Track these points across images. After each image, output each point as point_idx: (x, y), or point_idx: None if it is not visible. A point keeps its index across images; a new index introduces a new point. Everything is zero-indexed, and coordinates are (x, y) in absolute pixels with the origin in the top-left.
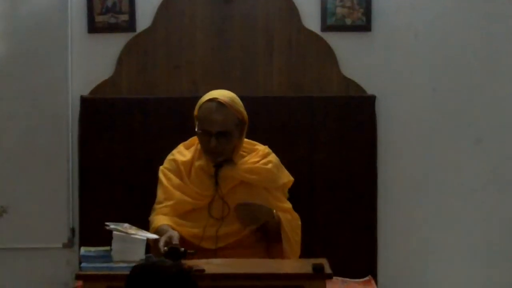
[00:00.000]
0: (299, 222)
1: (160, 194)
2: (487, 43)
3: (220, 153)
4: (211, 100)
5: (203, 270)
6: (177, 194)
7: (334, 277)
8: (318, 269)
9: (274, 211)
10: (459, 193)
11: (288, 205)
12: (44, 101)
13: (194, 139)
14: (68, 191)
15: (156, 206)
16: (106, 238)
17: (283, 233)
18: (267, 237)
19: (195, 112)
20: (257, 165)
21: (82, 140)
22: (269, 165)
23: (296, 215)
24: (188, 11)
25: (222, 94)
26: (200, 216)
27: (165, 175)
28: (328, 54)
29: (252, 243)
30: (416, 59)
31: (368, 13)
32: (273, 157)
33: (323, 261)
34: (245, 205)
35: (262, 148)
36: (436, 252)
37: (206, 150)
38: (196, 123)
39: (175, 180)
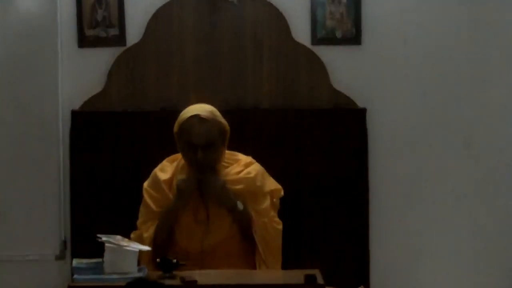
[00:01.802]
0: (279, 227)
1: (144, 213)
2: (477, 51)
3: (206, 164)
4: (192, 117)
5: (195, 281)
6: (160, 212)
7: (327, 287)
8: (310, 279)
9: (239, 204)
10: (450, 200)
11: (272, 212)
12: (35, 115)
13: (178, 155)
14: (59, 203)
15: (140, 225)
16: (98, 250)
17: (255, 234)
18: (248, 241)
19: (175, 129)
20: (240, 175)
21: (73, 153)
22: (252, 174)
23: (278, 220)
24: (178, 25)
25: (201, 109)
26: (185, 223)
27: (149, 194)
28: (319, 66)
29: (239, 253)
30: (407, 72)
31: (358, 25)
32: (256, 165)
33: (315, 272)
34: (214, 180)
35: (244, 158)
36: (429, 260)
37: (192, 163)
38: (177, 139)
39: (159, 198)
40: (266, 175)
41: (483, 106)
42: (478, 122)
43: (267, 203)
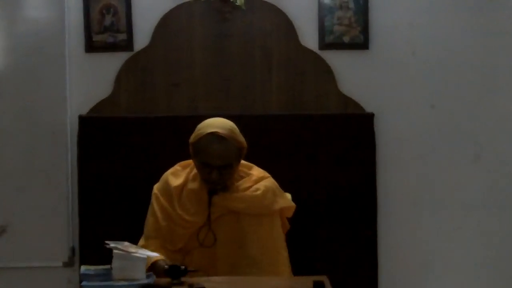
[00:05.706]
0: (282, 254)
1: (150, 224)
2: (485, 60)
3: (220, 183)
4: (210, 134)
5: None
6: (165, 225)
7: None
8: (318, 286)
9: None
10: (459, 210)
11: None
12: (43, 120)
13: (191, 161)
14: (68, 210)
15: (146, 239)
16: (106, 257)
17: None
18: None
19: (192, 139)
20: (246, 192)
21: (81, 159)
22: (258, 192)
23: (281, 251)
24: (185, 30)
25: (221, 126)
26: (188, 242)
27: (157, 200)
28: (327, 72)
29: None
30: (414, 76)
31: (366, 31)
32: (267, 181)
33: (324, 278)
34: None
35: (256, 173)
36: (437, 269)
37: (206, 180)
38: (192, 151)
39: (166, 206)
40: (279, 191)
41: (493, 116)
42: (488, 132)
43: (274, 223)
